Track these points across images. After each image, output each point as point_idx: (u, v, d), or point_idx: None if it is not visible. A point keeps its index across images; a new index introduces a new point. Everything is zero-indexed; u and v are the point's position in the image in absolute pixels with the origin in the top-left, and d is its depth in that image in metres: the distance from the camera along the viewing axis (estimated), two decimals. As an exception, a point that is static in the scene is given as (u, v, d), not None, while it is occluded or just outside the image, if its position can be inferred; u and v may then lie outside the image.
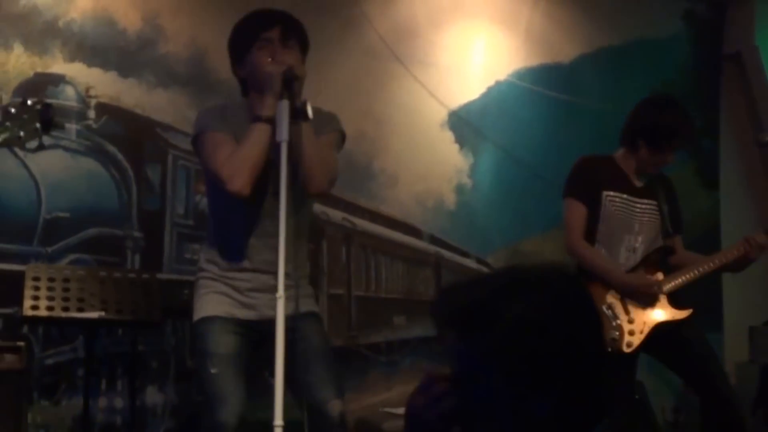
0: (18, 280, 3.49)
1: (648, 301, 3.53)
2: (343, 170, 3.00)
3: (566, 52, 5.44)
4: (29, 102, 2.39)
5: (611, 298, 3.51)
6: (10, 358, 3.40)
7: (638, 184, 3.63)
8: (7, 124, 2.37)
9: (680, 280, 3.58)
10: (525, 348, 1.23)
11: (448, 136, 5.13)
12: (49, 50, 4.04)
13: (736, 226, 5.33)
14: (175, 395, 4.18)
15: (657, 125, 3.53)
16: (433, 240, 5.09)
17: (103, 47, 4.16)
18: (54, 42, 4.05)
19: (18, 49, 3.97)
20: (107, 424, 4.00)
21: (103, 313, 3.43)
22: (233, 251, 2.86)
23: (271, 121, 2.71)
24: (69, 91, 4.06)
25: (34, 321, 3.55)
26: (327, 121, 2.94)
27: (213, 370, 2.76)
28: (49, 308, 3.39)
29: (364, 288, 4.87)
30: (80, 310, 3.43)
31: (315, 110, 2.81)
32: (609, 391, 1.32)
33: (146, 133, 4.25)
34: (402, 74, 4.97)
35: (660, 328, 3.50)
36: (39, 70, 4.01)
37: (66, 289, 3.46)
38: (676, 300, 3.56)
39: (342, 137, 2.98)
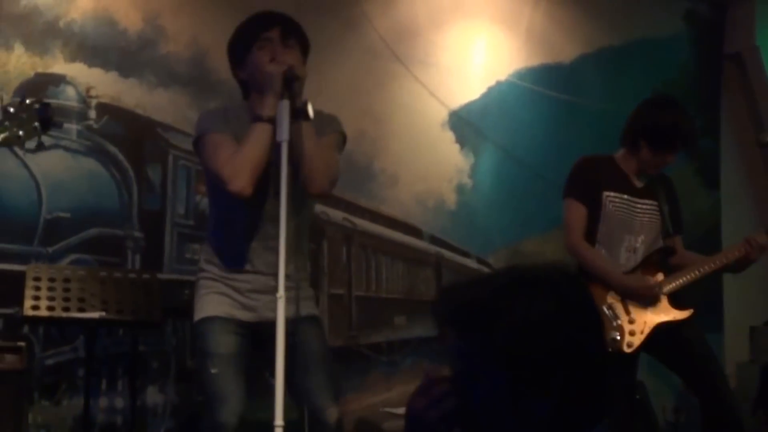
0: (19, 280, 3.48)
1: (649, 301, 3.52)
2: (343, 170, 3.00)
3: (567, 52, 5.44)
4: (27, 101, 2.40)
5: (612, 298, 3.51)
6: (10, 359, 3.40)
7: (638, 184, 3.63)
8: (6, 123, 2.37)
9: (681, 280, 3.58)
10: (525, 348, 1.23)
11: (449, 136, 5.12)
12: (50, 50, 4.04)
13: (737, 227, 5.33)
14: (176, 395, 4.17)
15: (658, 126, 3.52)
16: (434, 240, 5.08)
17: (103, 47, 4.16)
18: (55, 42, 4.05)
19: (19, 50, 3.97)
20: (108, 424, 4.00)
21: (103, 314, 3.42)
22: (234, 256, 2.85)
23: (272, 121, 2.71)
24: (70, 91, 4.05)
25: (35, 321, 3.55)
26: (328, 123, 2.94)
27: (213, 370, 2.76)
28: (50, 308, 3.39)
29: (365, 288, 4.86)
30: (81, 310, 3.42)
31: (316, 112, 2.81)
32: (609, 391, 1.32)
33: (147, 134, 4.24)
34: (402, 74, 4.96)
35: (661, 329, 3.50)
36: (40, 70, 4.01)
37: (67, 290, 3.46)
38: (676, 300, 3.55)
39: (343, 139, 2.98)
